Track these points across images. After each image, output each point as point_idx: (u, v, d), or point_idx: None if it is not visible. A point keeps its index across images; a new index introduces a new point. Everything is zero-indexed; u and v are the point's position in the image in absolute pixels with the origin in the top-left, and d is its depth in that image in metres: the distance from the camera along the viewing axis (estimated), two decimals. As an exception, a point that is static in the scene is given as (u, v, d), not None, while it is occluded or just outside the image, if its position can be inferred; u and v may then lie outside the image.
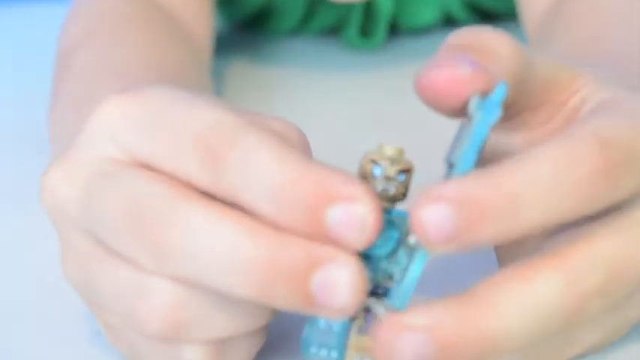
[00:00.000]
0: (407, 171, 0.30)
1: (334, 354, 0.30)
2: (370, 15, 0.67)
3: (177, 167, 0.29)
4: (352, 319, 0.30)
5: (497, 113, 0.29)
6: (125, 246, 0.29)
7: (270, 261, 0.27)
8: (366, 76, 0.63)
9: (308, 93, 0.60)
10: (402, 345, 0.27)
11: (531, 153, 0.29)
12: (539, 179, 0.28)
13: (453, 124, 0.33)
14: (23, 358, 0.35)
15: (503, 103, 0.32)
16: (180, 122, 0.30)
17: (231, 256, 0.28)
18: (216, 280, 0.28)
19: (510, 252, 0.34)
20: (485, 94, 0.30)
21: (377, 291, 0.30)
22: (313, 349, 0.30)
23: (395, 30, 0.69)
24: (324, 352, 0.30)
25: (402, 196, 0.30)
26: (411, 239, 0.29)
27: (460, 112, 0.30)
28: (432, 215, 0.27)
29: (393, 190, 0.30)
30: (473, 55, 0.31)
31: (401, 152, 0.30)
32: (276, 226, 0.28)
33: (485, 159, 0.35)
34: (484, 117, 0.28)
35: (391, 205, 0.30)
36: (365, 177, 0.30)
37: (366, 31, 0.67)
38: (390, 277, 0.29)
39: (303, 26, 0.69)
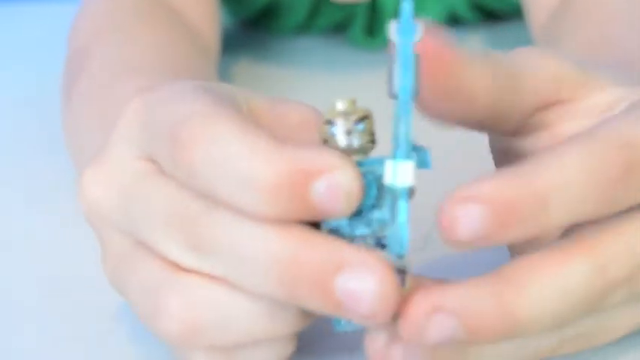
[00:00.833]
0: (364, 118, 0.30)
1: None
2: (375, 14, 0.67)
3: (162, 164, 0.30)
4: None
5: (414, 31, 0.28)
6: (167, 246, 0.30)
7: (296, 260, 0.27)
8: (371, 75, 0.63)
9: (313, 91, 0.60)
10: (431, 326, 0.27)
11: (559, 153, 0.29)
12: (568, 180, 0.28)
13: None
14: (34, 356, 0.35)
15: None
16: (163, 117, 0.30)
17: (261, 254, 0.27)
18: (247, 279, 0.28)
19: (524, 246, 0.34)
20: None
21: (381, 242, 0.30)
22: (344, 320, 0.30)
23: None
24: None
25: (371, 143, 0.30)
26: (386, 181, 0.28)
27: None
28: (463, 215, 0.27)
29: (357, 141, 0.29)
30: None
31: (353, 103, 0.30)
32: (257, 218, 0.27)
33: (499, 162, 0.35)
34: (403, 40, 0.28)
35: (364, 156, 0.30)
36: (326, 140, 0.30)
37: (371, 30, 0.68)
38: (387, 224, 0.29)
39: (308, 24, 0.69)
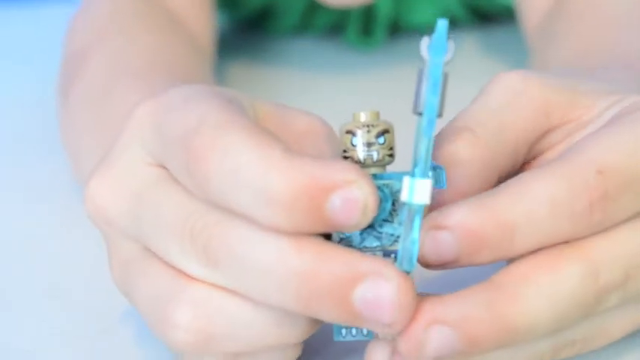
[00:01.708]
0: (385, 132, 0.30)
1: (365, 331, 0.30)
2: (370, 15, 0.67)
3: (174, 171, 0.29)
4: None
5: (445, 50, 0.28)
6: (177, 254, 0.29)
7: (313, 273, 0.27)
8: (367, 75, 0.63)
9: (309, 93, 0.60)
10: (430, 339, 0.28)
11: (530, 182, 0.29)
12: (538, 210, 0.29)
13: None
14: (32, 356, 0.35)
15: None
16: (175, 124, 0.29)
17: (277, 267, 0.27)
18: (260, 292, 0.28)
19: None
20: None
21: (389, 256, 0.30)
22: (344, 331, 0.30)
23: (395, 30, 0.69)
24: (355, 331, 0.30)
25: (389, 157, 0.30)
26: (403, 198, 0.28)
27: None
28: (432, 242, 0.28)
29: (376, 154, 0.30)
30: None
31: (376, 115, 0.30)
32: (271, 230, 0.27)
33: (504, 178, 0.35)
34: (434, 59, 0.28)
35: (381, 169, 0.30)
36: (346, 150, 0.30)
37: (366, 30, 0.68)
38: (397, 240, 0.29)
39: (303, 26, 0.69)
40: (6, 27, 0.78)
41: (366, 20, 0.67)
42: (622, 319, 0.31)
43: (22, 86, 0.65)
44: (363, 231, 0.29)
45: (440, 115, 0.28)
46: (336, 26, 0.69)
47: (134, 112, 0.31)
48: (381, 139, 0.30)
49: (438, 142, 0.31)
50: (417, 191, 0.28)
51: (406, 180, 0.28)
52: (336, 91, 0.60)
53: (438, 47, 0.29)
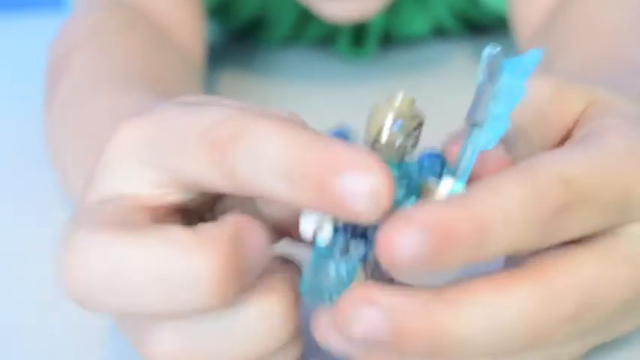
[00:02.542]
0: (417, 122, 0.30)
1: (336, 297, 0.29)
2: (361, 26, 0.68)
3: (193, 171, 0.29)
4: (363, 264, 0.29)
5: (525, 78, 0.28)
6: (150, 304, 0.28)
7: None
8: (358, 86, 0.63)
9: (300, 103, 0.60)
10: (359, 315, 0.27)
11: (499, 183, 0.28)
12: (509, 212, 0.28)
13: (444, 134, 0.33)
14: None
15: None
16: (189, 126, 0.29)
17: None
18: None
19: None
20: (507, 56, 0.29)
21: None
22: (315, 296, 0.29)
23: (386, 40, 0.70)
24: (326, 297, 0.29)
25: (413, 147, 0.30)
26: (438, 196, 0.28)
27: None
28: (401, 238, 0.27)
29: (399, 141, 0.29)
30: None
31: (412, 102, 0.30)
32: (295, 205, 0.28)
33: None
34: (514, 79, 0.28)
35: (401, 155, 0.30)
36: (380, 131, 0.29)
37: (357, 41, 0.68)
38: None
39: (294, 36, 0.69)
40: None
41: (358, 31, 0.68)
42: (572, 350, 0.31)
43: (14, 95, 0.65)
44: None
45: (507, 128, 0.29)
46: (327, 37, 0.69)
47: (117, 133, 0.31)
48: (417, 131, 0.29)
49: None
50: (450, 194, 0.29)
51: (446, 181, 0.29)
52: (327, 102, 0.60)
53: (523, 71, 0.29)
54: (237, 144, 0.28)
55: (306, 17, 0.68)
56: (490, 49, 0.29)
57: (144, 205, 0.30)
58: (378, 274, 0.29)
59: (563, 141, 0.33)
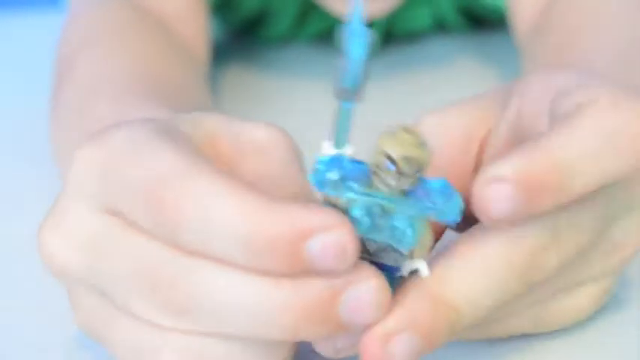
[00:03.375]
0: (422, 165, 0.29)
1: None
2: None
3: (135, 220, 0.29)
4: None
5: (363, 41, 0.29)
6: (139, 306, 0.29)
7: (294, 303, 0.28)
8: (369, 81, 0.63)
9: (304, 99, 0.60)
10: (393, 351, 0.29)
11: (577, 121, 0.30)
12: (591, 146, 0.29)
13: None
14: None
15: None
16: (134, 173, 0.29)
17: (260, 305, 0.28)
18: (246, 330, 0.28)
19: None
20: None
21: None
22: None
23: (388, 36, 0.69)
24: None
25: (412, 186, 0.29)
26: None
27: None
28: (493, 196, 0.28)
29: (407, 185, 0.29)
30: None
31: (418, 139, 0.29)
32: (249, 271, 0.28)
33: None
34: (351, 50, 0.29)
35: (400, 193, 0.29)
36: (378, 166, 0.29)
37: None
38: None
39: (295, 32, 0.69)
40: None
41: (360, 26, 0.67)
42: (580, 297, 0.32)
43: (11, 93, 0.65)
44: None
45: (361, 100, 0.29)
46: (328, 33, 0.69)
47: (77, 157, 0.30)
48: (417, 173, 0.29)
49: None
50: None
51: (327, 146, 0.29)
52: (329, 97, 0.60)
53: (355, 38, 0.29)
54: (181, 207, 0.28)
55: (307, 12, 0.68)
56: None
57: None
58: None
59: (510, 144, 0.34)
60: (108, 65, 0.48)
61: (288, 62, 0.67)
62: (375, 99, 0.60)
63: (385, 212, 0.29)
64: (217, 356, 0.29)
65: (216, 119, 0.32)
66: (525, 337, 0.33)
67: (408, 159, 0.28)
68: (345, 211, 0.29)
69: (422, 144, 0.29)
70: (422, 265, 0.30)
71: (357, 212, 0.29)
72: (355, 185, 0.29)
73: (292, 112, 0.58)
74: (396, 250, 0.29)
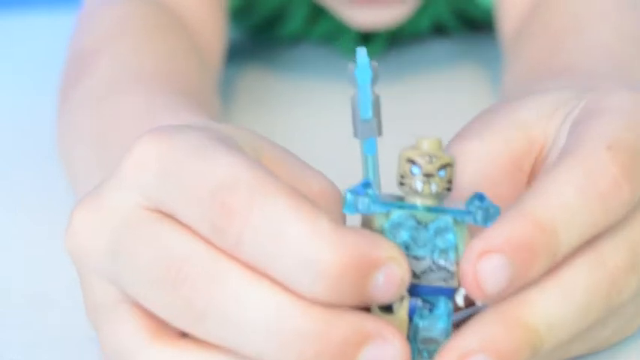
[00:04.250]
0: (447, 165, 0.29)
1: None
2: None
3: (196, 225, 0.28)
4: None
5: (370, 73, 0.30)
6: (156, 302, 0.28)
7: (321, 334, 0.27)
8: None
9: (318, 100, 0.61)
10: None
11: (551, 177, 0.29)
12: (570, 202, 0.28)
13: (452, 131, 0.35)
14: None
15: None
16: (199, 176, 0.28)
17: (279, 326, 0.27)
18: (257, 349, 0.27)
19: None
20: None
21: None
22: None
23: (392, 37, 0.69)
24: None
25: (447, 190, 0.29)
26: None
27: None
28: (487, 269, 0.27)
29: (435, 187, 0.29)
30: None
31: (438, 144, 0.29)
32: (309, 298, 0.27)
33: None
34: (361, 82, 0.30)
35: (437, 201, 0.29)
36: (404, 176, 0.29)
37: (364, 39, 0.67)
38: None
39: (303, 33, 0.69)
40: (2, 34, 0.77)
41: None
42: None
43: (11, 93, 0.65)
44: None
45: (380, 133, 0.30)
46: (335, 34, 0.68)
47: (136, 148, 0.30)
48: (442, 172, 0.29)
49: None
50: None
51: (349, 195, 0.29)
52: (339, 99, 0.61)
53: (363, 71, 0.30)
54: (248, 218, 0.27)
55: (317, 14, 0.67)
56: (350, 65, 0.30)
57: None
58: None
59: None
60: (130, 61, 0.48)
61: (300, 64, 0.67)
62: (386, 100, 0.61)
63: (421, 224, 0.29)
64: None
65: (277, 151, 0.31)
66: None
67: (429, 156, 0.29)
68: (382, 231, 0.29)
69: (442, 148, 0.29)
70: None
71: (392, 225, 0.29)
72: (386, 200, 0.29)
73: (303, 114, 0.59)
74: (441, 268, 0.29)
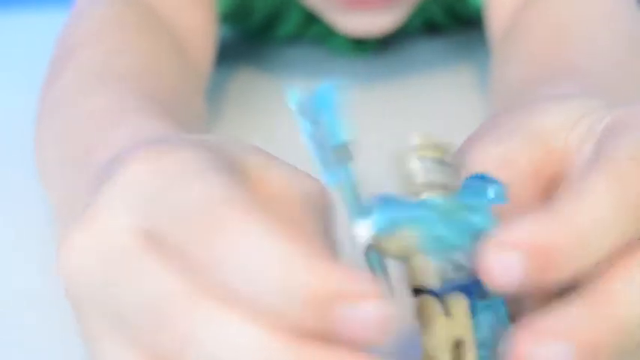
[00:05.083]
0: (441, 152, 0.29)
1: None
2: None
3: (175, 246, 0.27)
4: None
5: (331, 96, 0.28)
6: (140, 339, 0.28)
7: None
8: (361, 83, 0.63)
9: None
10: (542, 355, 0.26)
11: (586, 185, 0.28)
12: (603, 212, 0.27)
13: (447, 129, 0.35)
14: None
15: None
16: (182, 200, 0.28)
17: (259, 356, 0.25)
18: None
19: None
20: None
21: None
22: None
23: (383, 39, 0.69)
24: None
25: (453, 176, 0.29)
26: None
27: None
28: (500, 263, 0.26)
29: (439, 176, 0.29)
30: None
31: (428, 136, 0.29)
32: (277, 321, 0.26)
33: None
34: (329, 113, 0.28)
35: (446, 190, 0.29)
36: (405, 177, 0.29)
37: (357, 39, 0.67)
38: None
39: (298, 34, 0.69)
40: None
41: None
42: None
43: (12, 93, 0.64)
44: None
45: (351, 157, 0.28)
46: (328, 34, 0.68)
47: (122, 166, 0.29)
48: (438, 161, 0.29)
49: None
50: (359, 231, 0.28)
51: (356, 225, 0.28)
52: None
53: (325, 96, 0.29)
54: (231, 242, 0.26)
55: (311, 17, 0.67)
56: (293, 99, 0.29)
57: None
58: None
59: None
60: (111, 60, 0.48)
61: (292, 62, 0.67)
62: (368, 101, 0.61)
63: (446, 216, 0.28)
64: None
65: (263, 157, 0.31)
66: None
67: (427, 145, 0.29)
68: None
69: (429, 135, 0.29)
70: None
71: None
72: (401, 201, 0.28)
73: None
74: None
